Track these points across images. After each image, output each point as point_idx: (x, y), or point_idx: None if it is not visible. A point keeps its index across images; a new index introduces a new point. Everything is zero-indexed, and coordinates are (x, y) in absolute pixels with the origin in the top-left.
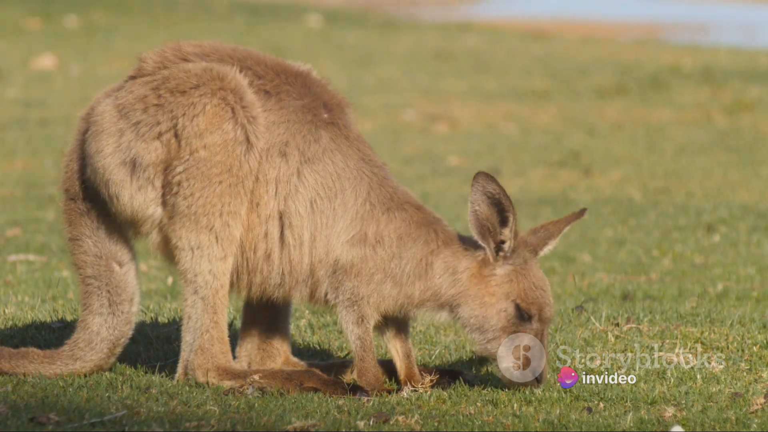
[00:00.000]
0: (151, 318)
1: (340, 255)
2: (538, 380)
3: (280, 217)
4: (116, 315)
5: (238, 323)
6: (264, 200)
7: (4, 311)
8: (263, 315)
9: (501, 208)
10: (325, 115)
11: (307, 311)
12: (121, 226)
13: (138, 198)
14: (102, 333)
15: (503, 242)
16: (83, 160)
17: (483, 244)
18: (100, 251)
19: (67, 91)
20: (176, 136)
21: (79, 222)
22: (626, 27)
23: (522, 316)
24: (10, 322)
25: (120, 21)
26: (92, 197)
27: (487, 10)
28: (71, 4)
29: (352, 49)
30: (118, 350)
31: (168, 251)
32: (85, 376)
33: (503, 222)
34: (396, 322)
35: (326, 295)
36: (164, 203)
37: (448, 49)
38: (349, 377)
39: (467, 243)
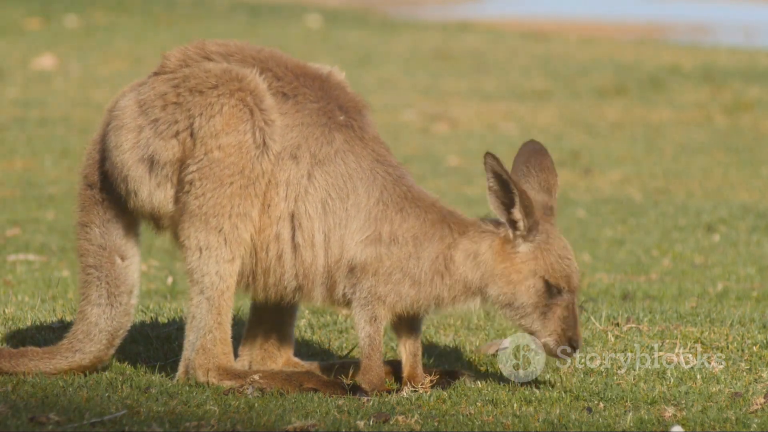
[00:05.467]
0: (151, 318)
1: (354, 255)
2: (574, 347)
3: (291, 219)
4: (114, 306)
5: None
6: (275, 202)
7: (4, 311)
8: (269, 316)
9: (507, 189)
10: (341, 118)
11: (306, 311)
12: (132, 222)
13: (158, 195)
14: (100, 324)
15: (516, 221)
16: (105, 152)
17: (503, 221)
18: (106, 242)
19: (67, 91)
20: (192, 135)
21: (92, 209)
22: (626, 27)
23: (551, 291)
24: (10, 322)
25: (120, 21)
26: (109, 188)
27: (487, 10)
28: (71, 4)
29: (352, 49)
30: (117, 341)
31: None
32: (85, 375)
33: (511, 202)
34: (410, 320)
35: (344, 293)
36: (176, 201)
37: (448, 49)
38: (350, 377)
39: (486, 224)
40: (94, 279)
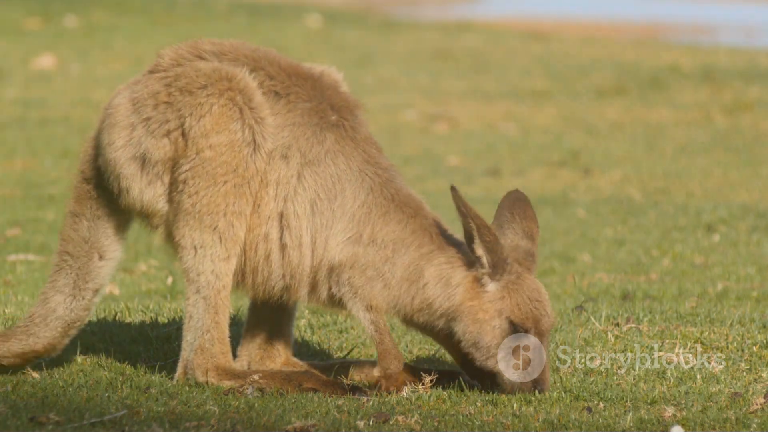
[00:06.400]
0: (151, 318)
1: (335, 255)
2: (539, 391)
3: (280, 219)
4: (77, 299)
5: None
6: (264, 201)
7: (4, 311)
8: (267, 315)
9: (466, 222)
10: (333, 117)
11: (306, 311)
12: (121, 225)
13: (148, 193)
14: (58, 311)
15: (479, 257)
16: (99, 149)
17: (472, 257)
18: (90, 237)
19: (67, 91)
20: (183, 135)
21: (85, 203)
22: (626, 27)
23: (517, 332)
24: (10, 322)
25: (120, 21)
26: (103, 186)
27: (487, 10)
28: (71, 4)
29: (352, 49)
30: (73, 332)
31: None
32: (84, 375)
33: (472, 237)
34: None
35: (331, 293)
36: (170, 200)
37: (448, 49)
38: (349, 377)
39: (466, 253)
40: (66, 266)
